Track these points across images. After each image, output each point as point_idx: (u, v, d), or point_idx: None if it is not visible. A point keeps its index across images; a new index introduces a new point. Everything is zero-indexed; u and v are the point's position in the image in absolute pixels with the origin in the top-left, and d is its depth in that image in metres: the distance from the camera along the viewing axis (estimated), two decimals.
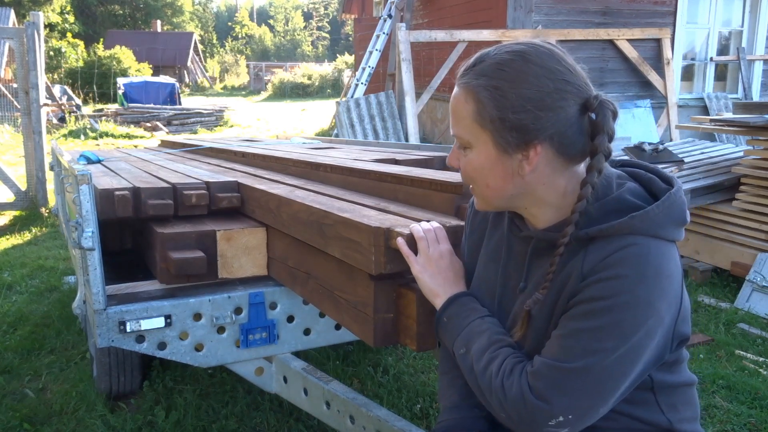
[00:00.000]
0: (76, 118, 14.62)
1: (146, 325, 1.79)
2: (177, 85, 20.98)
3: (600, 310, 1.02)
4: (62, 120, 14.78)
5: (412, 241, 1.34)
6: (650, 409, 1.17)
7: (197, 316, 1.86)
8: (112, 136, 13.56)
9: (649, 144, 4.77)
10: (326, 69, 32.46)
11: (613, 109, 1.07)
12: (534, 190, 1.12)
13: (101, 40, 32.57)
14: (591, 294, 1.04)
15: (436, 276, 1.29)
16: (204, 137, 8.84)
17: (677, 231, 1.09)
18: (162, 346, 1.83)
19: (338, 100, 9.60)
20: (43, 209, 6.46)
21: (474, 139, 1.11)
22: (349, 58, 29.66)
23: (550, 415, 1.05)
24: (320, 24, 66.93)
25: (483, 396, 1.16)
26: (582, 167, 1.12)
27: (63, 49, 26.11)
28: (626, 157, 1.27)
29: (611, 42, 8.21)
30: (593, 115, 1.06)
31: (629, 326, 1.02)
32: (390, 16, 11.09)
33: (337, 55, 39.58)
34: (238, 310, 1.91)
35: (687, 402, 1.22)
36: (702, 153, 4.95)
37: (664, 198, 1.08)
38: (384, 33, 10.84)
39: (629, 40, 8.22)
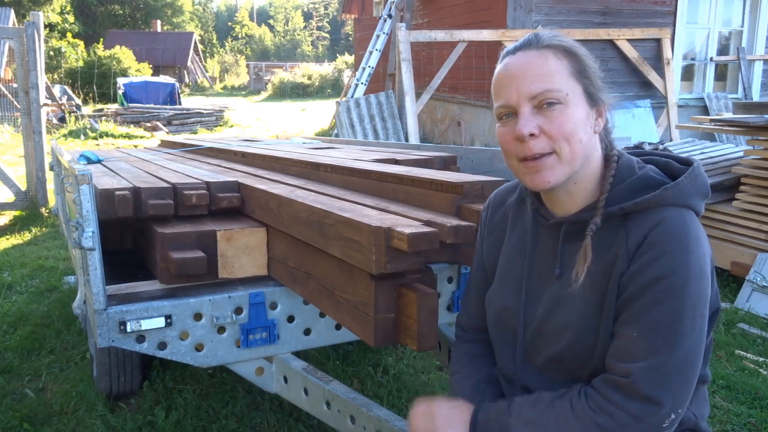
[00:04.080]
0: (76, 118, 14.62)
1: (146, 325, 1.79)
2: (177, 85, 20.97)
3: (664, 292, 1.05)
4: (62, 120, 14.78)
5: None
6: None
7: (197, 316, 1.86)
8: (112, 136, 13.56)
9: (649, 144, 4.78)
10: (326, 69, 32.45)
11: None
12: (591, 155, 1.17)
13: (101, 40, 32.55)
14: (647, 279, 1.06)
15: None
16: (204, 137, 8.83)
17: (701, 203, 1.15)
18: (162, 346, 1.83)
19: (338, 100, 9.60)
20: (43, 209, 6.46)
21: (572, 92, 1.14)
22: (349, 58, 29.65)
23: (665, 415, 1.05)
24: (320, 24, 66.91)
25: None
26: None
27: (63, 49, 26.09)
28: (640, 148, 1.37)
29: (611, 42, 8.21)
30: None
31: (694, 297, 1.05)
32: (390, 16, 11.09)
33: (337, 55, 39.59)
34: (238, 310, 1.91)
35: (703, 398, 1.25)
36: (702, 153, 4.95)
37: (689, 171, 1.14)
38: (384, 33, 10.84)
39: (629, 40, 8.21)
